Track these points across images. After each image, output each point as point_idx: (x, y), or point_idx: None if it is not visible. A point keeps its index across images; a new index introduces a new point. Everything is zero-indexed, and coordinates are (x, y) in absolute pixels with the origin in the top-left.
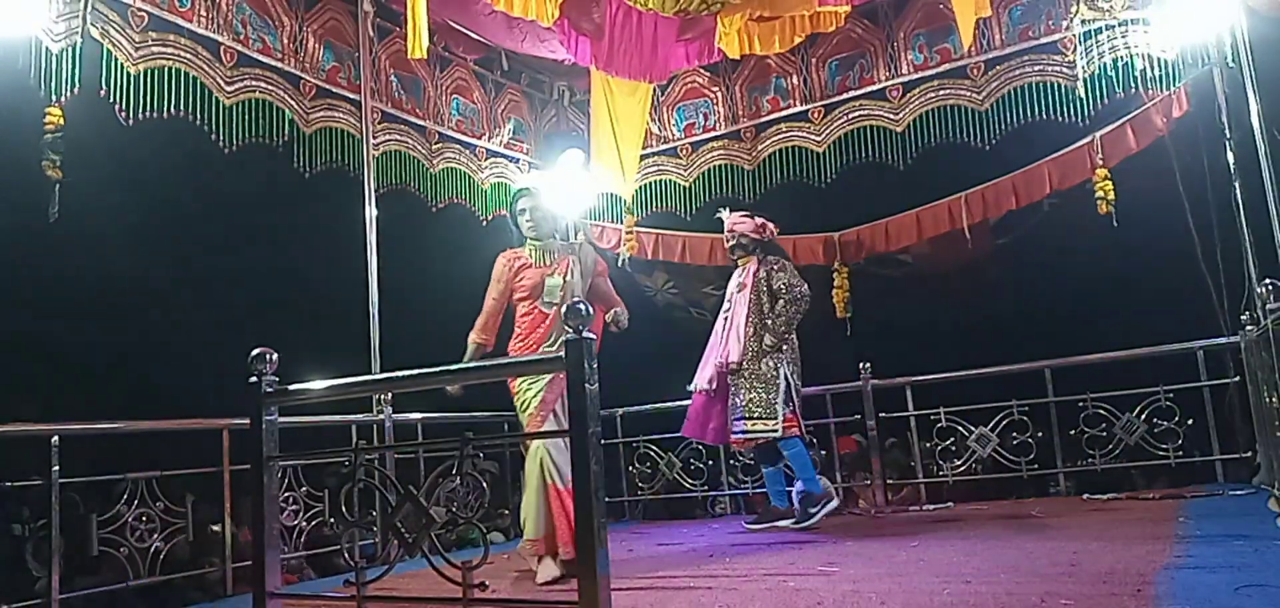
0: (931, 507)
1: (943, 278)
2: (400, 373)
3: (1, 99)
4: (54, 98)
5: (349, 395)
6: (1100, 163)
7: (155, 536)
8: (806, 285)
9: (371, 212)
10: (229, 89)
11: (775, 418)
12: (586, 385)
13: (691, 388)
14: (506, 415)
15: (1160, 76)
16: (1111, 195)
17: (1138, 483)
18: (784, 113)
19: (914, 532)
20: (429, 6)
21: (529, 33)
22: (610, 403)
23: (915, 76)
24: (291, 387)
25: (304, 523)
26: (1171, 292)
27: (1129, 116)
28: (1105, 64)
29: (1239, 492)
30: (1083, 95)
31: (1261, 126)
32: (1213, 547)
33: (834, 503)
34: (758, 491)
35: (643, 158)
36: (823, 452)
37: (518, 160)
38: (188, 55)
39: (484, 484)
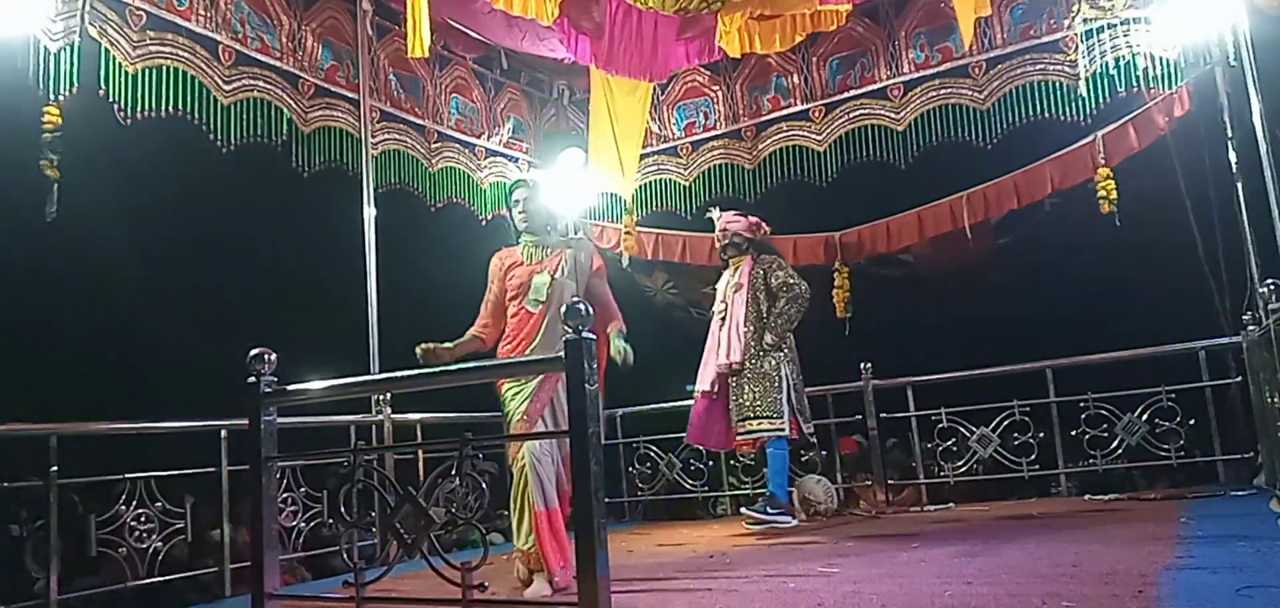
0: (933, 507)
1: (944, 278)
2: (400, 373)
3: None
4: (52, 97)
5: (348, 396)
6: (1102, 162)
7: (154, 536)
8: (806, 283)
9: (370, 211)
10: (227, 88)
11: (780, 416)
12: (586, 386)
13: (692, 390)
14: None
15: (1162, 75)
16: (1114, 195)
17: (1139, 484)
18: (784, 112)
19: (915, 532)
20: (429, 5)
21: (528, 31)
22: (610, 403)
23: (916, 75)
24: (290, 387)
25: (303, 524)
26: (1173, 291)
27: (1131, 116)
28: (1107, 63)
29: (1240, 492)
30: (1084, 94)
31: (1263, 126)
32: (1214, 548)
33: (792, 523)
34: (758, 490)
35: (643, 157)
36: (824, 452)
37: (517, 159)
38: (186, 54)
39: (483, 485)
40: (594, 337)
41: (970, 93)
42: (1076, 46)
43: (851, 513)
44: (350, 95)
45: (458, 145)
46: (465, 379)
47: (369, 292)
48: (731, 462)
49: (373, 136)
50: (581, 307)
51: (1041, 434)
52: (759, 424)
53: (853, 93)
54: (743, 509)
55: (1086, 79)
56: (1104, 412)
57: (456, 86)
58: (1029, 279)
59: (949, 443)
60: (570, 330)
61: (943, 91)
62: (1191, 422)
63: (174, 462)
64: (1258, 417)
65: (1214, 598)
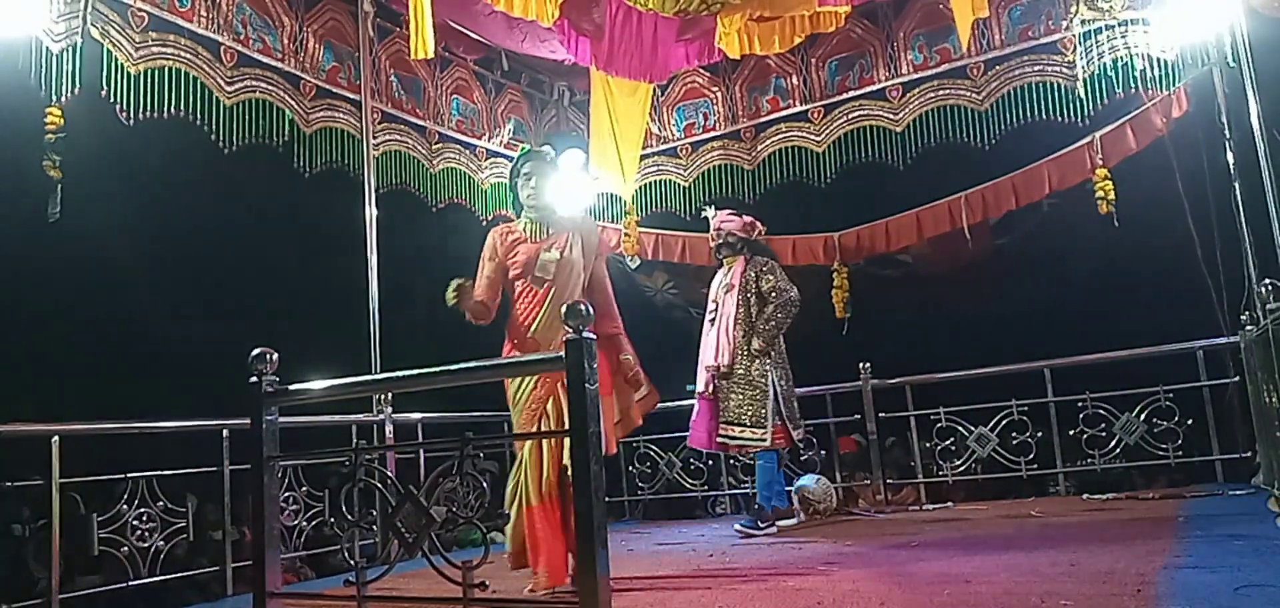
0: (931, 507)
1: (942, 278)
2: (400, 373)
3: (2, 99)
4: (54, 98)
5: (349, 395)
6: (1100, 163)
7: (156, 535)
8: (795, 290)
9: (372, 211)
10: (229, 89)
11: (764, 427)
12: (586, 386)
13: (692, 390)
14: (507, 415)
15: (1160, 76)
16: (1112, 195)
17: (1137, 483)
18: (784, 113)
19: (914, 532)
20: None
21: (529, 33)
22: None
23: (915, 77)
24: (292, 387)
25: (304, 523)
26: (1171, 292)
27: (1129, 116)
28: (1105, 64)
29: (1238, 492)
30: (1082, 95)
31: (1261, 127)
32: (1212, 547)
33: (772, 529)
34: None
35: (642, 158)
36: (823, 451)
37: None
38: (188, 55)
39: (484, 484)
40: (594, 337)
41: (969, 94)
42: (1074, 47)
43: (850, 512)
44: (352, 96)
45: (458, 146)
46: (466, 379)
47: (370, 292)
48: (731, 461)
49: (374, 137)
50: (582, 306)
51: (1040, 434)
52: (742, 432)
53: (851, 94)
54: (780, 523)
55: (1084, 80)
56: (1102, 411)
57: (457, 88)
58: (1027, 280)
59: (948, 442)
60: (571, 330)
61: (941, 93)
62: (1189, 421)
63: (176, 461)
64: (1255, 416)
65: (1212, 597)
